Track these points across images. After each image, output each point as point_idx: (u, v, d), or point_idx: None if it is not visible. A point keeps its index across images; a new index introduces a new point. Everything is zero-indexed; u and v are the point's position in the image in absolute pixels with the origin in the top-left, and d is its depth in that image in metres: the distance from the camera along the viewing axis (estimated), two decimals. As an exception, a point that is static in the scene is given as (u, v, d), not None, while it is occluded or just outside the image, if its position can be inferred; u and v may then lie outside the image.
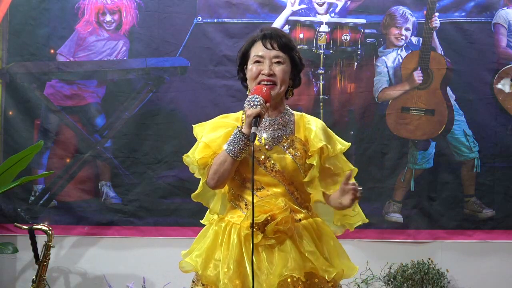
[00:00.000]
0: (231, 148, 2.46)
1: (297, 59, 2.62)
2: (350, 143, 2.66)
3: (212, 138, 2.56)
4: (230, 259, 2.46)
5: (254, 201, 2.47)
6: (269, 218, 2.44)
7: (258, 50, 2.59)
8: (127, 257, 4.81)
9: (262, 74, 2.56)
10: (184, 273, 2.61)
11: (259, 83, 2.56)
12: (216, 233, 2.56)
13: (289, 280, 2.43)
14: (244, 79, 2.68)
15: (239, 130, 2.46)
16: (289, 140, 2.57)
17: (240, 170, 2.54)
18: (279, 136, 2.57)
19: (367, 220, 2.72)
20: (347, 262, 2.60)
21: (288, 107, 2.67)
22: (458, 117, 4.72)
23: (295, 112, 2.67)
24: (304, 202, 2.61)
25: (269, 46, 2.58)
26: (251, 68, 2.59)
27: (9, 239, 4.72)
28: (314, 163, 2.52)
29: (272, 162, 2.53)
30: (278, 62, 2.57)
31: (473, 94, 4.73)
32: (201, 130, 2.64)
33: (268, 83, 2.55)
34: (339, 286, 2.60)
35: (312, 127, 2.59)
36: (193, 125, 2.68)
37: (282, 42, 2.59)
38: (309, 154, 2.56)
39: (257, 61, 2.58)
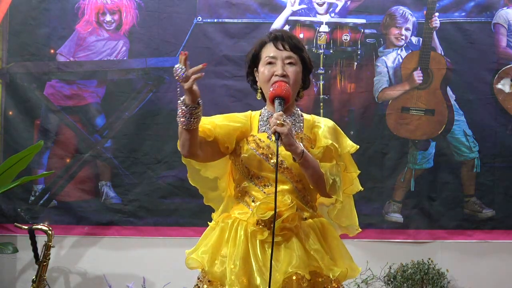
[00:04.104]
0: (179, 119, 2.42)
1: (307, 60, 2.64)
2: (358, 146, 2.65)
3: (211, 119, 2.58)
4: (237, 256, 2.46)
5: (261, 198, 2.51)
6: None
7: (269, 51, 2.60)
8: (127, 257, 4.81)
9: (275, 75, 2.55)
10: (189, 270, 2.61)
11: (272, 85, 2.55)
12: (222, 230, 2.57)
13: (294, 277, 2.44)
14: (254, 82, 2.68)
15: (181, 101, 2.41)
16: (297, 138, 2.56)
17: (248, 166, 2.56)
18: None
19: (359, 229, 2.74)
20: (350, 262, 2.61)
21: (298, 109, 2.67)
22: (458, 117, 4.72)
23: (304, 114, 2.68)
24: (310, 201, 2.61)
25: (280, 47, 2.59)
26: (263, 71, 2.59)
27: (9, 239, 4.72)
28: (316, 153, 2.53)
29: (281, 158, 2.52)
30: (290, 63, 2.58)
31: (473, 94, 4.73)
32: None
33: None
34: (342, 287, 2.60)
35: (321, 125, 2.61)
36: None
37: (293, 43, 2.60)
38: (315, 149, 2.56)
39: (269, 63, 2.58)
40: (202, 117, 2.50)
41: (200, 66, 2.37)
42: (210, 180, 2.73)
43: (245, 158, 2.56)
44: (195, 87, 2.37)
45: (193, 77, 2.35)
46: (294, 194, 2.54)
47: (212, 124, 2.58)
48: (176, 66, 2.37)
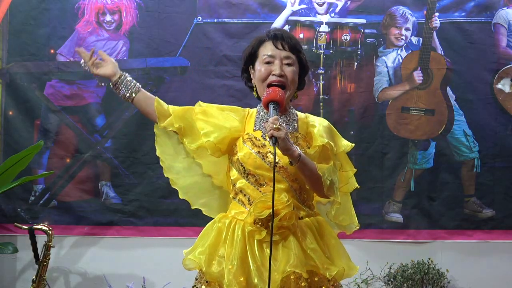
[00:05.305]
0: None
1: (304, 62, 2.63)
2: (353, 144, 2.66)
3: (181, 107, 2.69)
4: (234, 256, 2.47)
5: (256, 196, 2.51)
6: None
7: (268, 50, 2.58)
8: (127, 257, 4.81)
9: (273, 74, 2.55)
10: (187, 270, 2.61)
11: (269, 85, 2.55)
12: (220, 230, 2.57)
13: (292, 277, 2.44)
14: (248, 79, 2.67)
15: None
16: (293, 137, 2.57)
17: (244, 165, 2.56)
18: None
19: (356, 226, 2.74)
20: (348, 261, 2.61)
21: (292, 108, 2.67)
22: (458, 117, 4.72)
23: (299, 113, 2.68)
24: (307, 200, 2.61)
25: (280, 46, 2.58)
26: (260, 69, 2.58)
27: (9, 239, 4.72)
28: (311, 153, 2.53)
29: (277, 158, 2.52)
30: (288, 64, 2.57)
31: (473, 94, 4.73)
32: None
33: (278, 84, 2.54)
34: (340, 285, 2.60)
35: (316, 125, 2.61)
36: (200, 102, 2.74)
37: (292, 44, 2.59)
38: (310, 149, 2.56)
39: (267, 62, 2.57)
40: (199, 119, 2.61)
41: (90, 52, 2.73)
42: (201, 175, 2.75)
43: (241, 156, 2.57)
44: (102, 71, 2.73)
45: (90, 63, 2.71)
46: (290, 193, 2.54)
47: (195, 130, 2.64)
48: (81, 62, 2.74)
